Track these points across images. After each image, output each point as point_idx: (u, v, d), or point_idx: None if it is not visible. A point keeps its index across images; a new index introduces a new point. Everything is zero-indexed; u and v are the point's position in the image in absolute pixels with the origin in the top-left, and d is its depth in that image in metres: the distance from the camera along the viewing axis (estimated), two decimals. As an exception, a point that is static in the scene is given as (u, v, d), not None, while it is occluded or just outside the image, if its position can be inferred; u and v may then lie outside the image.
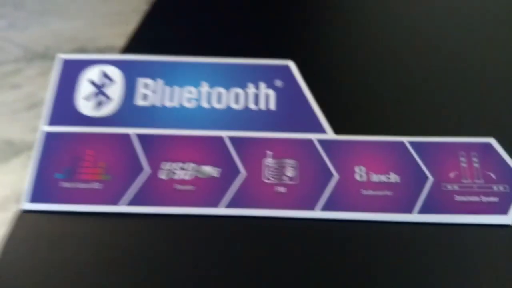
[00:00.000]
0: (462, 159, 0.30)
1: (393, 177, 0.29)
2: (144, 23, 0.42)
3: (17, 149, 0.93)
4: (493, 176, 0.29)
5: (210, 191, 0.29)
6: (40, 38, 1.19)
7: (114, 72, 0.34)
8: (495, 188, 0.29)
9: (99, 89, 0.33)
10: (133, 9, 1.30)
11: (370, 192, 0.29)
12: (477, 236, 0.28)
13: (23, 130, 0.97)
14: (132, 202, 0.29)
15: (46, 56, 1.14)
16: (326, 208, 0.28)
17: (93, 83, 0.33)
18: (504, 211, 0.28)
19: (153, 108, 0.32)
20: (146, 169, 0.30)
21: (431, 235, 0.28)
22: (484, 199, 0.28)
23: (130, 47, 0.39)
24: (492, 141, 0.31)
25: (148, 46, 0.37)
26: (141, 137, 0.31)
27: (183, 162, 0.30)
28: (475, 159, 0.30)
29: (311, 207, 0.28)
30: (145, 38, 0.41)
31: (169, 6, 0.45)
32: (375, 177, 0.29)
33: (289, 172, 0.30)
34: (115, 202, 0.29)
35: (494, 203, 0.28)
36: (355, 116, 0.33)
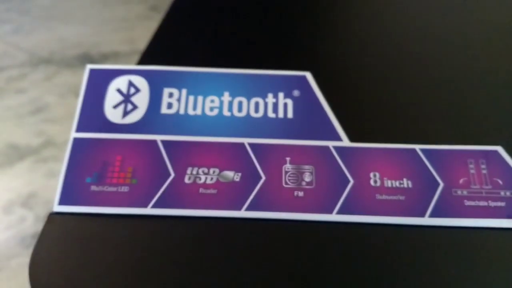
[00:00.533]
0: (471, 166, 0.32)
1: (405, 183, 0.31)
2: (160, 33, 0.44)
3: (22, 153, 0.94)
4: (500, 182, 0.31)
5: (232, 195, 0.30)
6: (45, 43, 1.20)
7: (141, 82, 0.35)
8: (502, 193, 0.31)
9: (126, 98, 0.35)
10: (137, 15, 1.32)
11: (384, 197, 0.30)
12: (486, 238, 0.29)
13: (27, 134, 0.98)
14: (158, 205, 0.30)
15: (51, 61, 1.15)
16: (342, 211, 0.30)
17: (120, 92, 0.35)
18: (510, 215, 0.30)
19: (177, 116, 0.34)
20: (172, 173, 0.31)
21: (442, 237, 0.29)
22: (492, 204, 0.30)
23: (146, 57, 0.40)
24: (499, 149, 0.32)
25: (165, 56, 0.39)
26: (166, 143, 0.32)
27: (207, 167, 0.31)
28: (483, 166, 0.32)
29: (328, 211, 0.30)
30: (162, 49, 0.42)
31: (184, 15, 0.46)
32: (388, 183, 0.31)
33: (307, 177, 0.31)
34: (142, 204, 0.30)
35: (501, 207, 0.30)
36: (370, 125, 0.35)
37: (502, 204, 0.30)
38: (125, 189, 0.30)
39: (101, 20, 1.27)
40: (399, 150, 0.32)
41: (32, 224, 0.82)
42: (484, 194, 0.30)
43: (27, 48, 1.19)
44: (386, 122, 0.35)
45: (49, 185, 0.87)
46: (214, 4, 0.48)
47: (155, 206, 0.30)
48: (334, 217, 0.30)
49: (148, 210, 0.30)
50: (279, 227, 0.30)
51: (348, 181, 0.31)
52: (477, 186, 0.31)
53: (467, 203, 0.30)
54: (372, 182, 0.31)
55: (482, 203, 0.30)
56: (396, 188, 0.31)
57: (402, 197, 0.30)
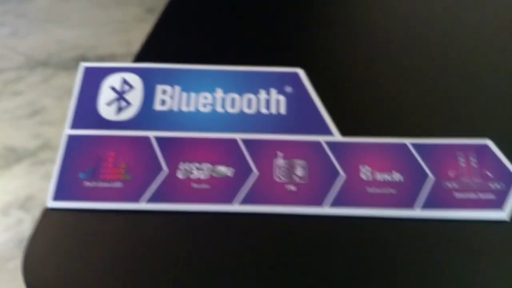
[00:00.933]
0: (461, 158, 0.32)
1: (396, 176, 0.31)
2: (155, 32, 0.44)
3: (19, 155, 0.94)
4: (489, 174, 0.31)
5: (225, 189, 0.31)
6: (41, 45, 1.20)
7: (134, 79, 0.36)
8: (491, 185, 0.31)
9: (120, 95, 0.35)
10: (133, 17, 1.32)
11: (375, 190, 0.31)
12: (476, 231, 0.29)
13: (25, 137, 0.98)
14: (151, 200, 0.30)
15: (48, 63, 1.15)
16: (334, 205, 0.30)
17: (114, 89, 0.35)
18: (499, 207, 0.30)
19: (170, 112, 0.34)
20: (165, 169, 0.31)
21: (432, 230, 0.29)
22: (482, 195, 0.30)
23: (141, 56, 0.40)
24: (488, 142, 0.33)
25: (159, 55, 0.39)
26: (159, 139, 0.33)
27: (199, 162, 0.32)
28: (472, 159, 0.32)
29: (320, 204, 0.30)
30: (156, 47, 0.42)
31: (178, 15, 0.46)
32: (379, 176, 0.31)
33: (299, 172, 0.31)
34: (135, 200, 0.30)
35: (491, 199, 0.30)
36: (361, 119, 0.35)
37: (492, 196, 0.30)
38: (118, 184, 0.31)
39: (98, 23, 1.27)
40: (389, 144, 0.33)
41: (29, 226, 0.82)
42: (473, 187, 0.31)
43: (24, 50, 1.19)
44: (377, 116, 0.36)
45: (47, 187, 0.87)
46: (207, 3, 0.49)
47: (148, 201, 0.30)
48: (326, 210, 0.30)
49: (142, 206, 0.30)
50: (272, 221, 0.30)
51: (340, 176, 0.31)
52: (467, 179, 0.31)
53: (457, 195, 0.30)
54: (363, 176, 0.31)
55: (472, 195, 0.30)
56: (387, 181, 0.31)
57: (393, 191, 0.31)
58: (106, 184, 0.31)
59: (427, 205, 0.30)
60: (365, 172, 0.31)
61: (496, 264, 0.28)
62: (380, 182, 0.31)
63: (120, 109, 0.34)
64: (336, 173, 0.31)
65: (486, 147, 0.33)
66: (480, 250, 0.29)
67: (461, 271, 0.28)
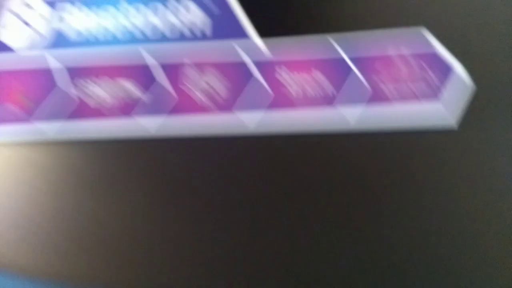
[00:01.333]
0: (392, 49, 0.29)
1: (329, 90, 0.28)
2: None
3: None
4: (424, 64, 0.28)
5: (141, 114, 0.28)
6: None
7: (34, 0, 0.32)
8: (426, 75, 0.28)
9: (19, 17, 0.31)
10: None
11: (306, 106, 0.27)
12: (422, 141, 0.26)
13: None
14: (58, 129, 0.27)
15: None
16: (262, 124, 0.27)
17: (13, 12, 0.32)
18: (434, 97, 0.27)
19: (74, 31, 0.31)
20: (71, 93, 0.28)
21: (372, 144, 0.27)
22: (416, 87, 0.27)
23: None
24: (423, 30, 0.29)
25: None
26: (63, 60, 0.29)
27: (108, 85, 0.28)
28: (405, 49, 0.29)
29: (245, 125, 0.27)
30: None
31: None
32: (310, 92, 0.28)
33: (223, 93, 0.28)
34: (38, 128, 0.27)
35: (426, 90, 0.27)
36: (280, 17, 0.31)
37: (426, 86, 0.27)
38: (19, 112, 0.28)
39: None
40: (309, 40, 0.29)
41: None
42: (407, 78, 0.28)
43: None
44: (297, 12, 0.32)
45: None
46: None
47: (56, 130, 0.27)
48: (253, 130, 0.27)
49: (47, 135, 0.27)
50: (194, 144, 0.27)
51: (268, 94, 0.28)
52: (399, 70, 0.28)
53: (389, 88, 0.27)
54: (293, 93, 0.28)
55: (405, 87, 0.27)
56: (319, 96, 0.28)
57: (326, 106, 0.27)
58: (4, 113, 0.28)
59: (354, 100, 0.27)
60: (294, 88, 0.28)
61: (445, 176, 0.26)
62: (311, 97, 0.28)
63: (19, 32, 0.31)
64: (264, 92, 0.28)
65: (420, 35, 0.29)
66: (428, 163, 0.26)
67: (400, 185, 0.26)
